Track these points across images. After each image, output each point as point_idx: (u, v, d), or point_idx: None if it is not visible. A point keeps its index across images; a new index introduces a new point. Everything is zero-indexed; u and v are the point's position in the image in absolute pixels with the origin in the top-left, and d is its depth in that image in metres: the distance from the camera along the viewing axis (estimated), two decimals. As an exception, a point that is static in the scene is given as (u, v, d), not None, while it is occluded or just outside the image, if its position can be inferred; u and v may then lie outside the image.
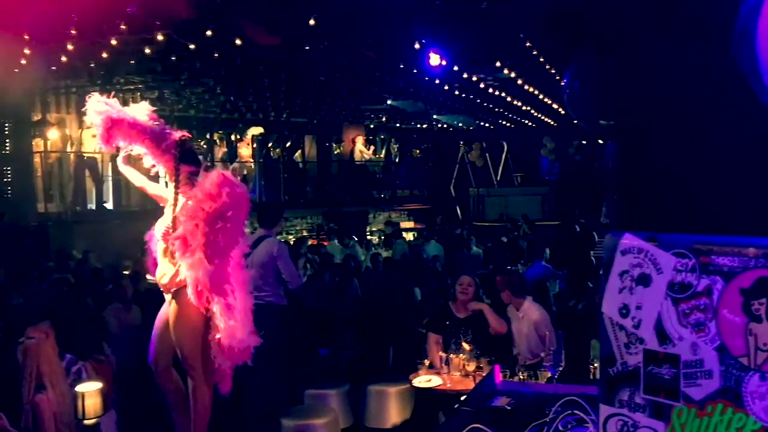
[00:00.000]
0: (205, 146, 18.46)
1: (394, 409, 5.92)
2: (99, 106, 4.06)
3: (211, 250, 3.80)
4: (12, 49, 9.61)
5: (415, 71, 11.22)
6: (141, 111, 4.14)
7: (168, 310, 4.15)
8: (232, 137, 18.83)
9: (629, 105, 3.82)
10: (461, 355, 5.45)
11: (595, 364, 5.01)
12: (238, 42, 8.78)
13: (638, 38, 3.27)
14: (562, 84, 5.66)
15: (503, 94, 14.77)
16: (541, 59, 10.08)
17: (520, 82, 12.83)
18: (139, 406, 4.99)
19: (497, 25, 8.20)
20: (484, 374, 5.15)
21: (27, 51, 9.79)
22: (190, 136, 4.28)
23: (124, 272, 9.27)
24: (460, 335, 5.65)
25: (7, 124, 14.61)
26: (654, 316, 1.70)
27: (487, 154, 23.18)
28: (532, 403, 2.52)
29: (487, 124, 21.07)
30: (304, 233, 17.93)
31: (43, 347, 4.58)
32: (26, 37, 8.92)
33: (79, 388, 4.09)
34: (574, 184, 19.57)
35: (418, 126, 22.40)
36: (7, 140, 14.69)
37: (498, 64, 11.17)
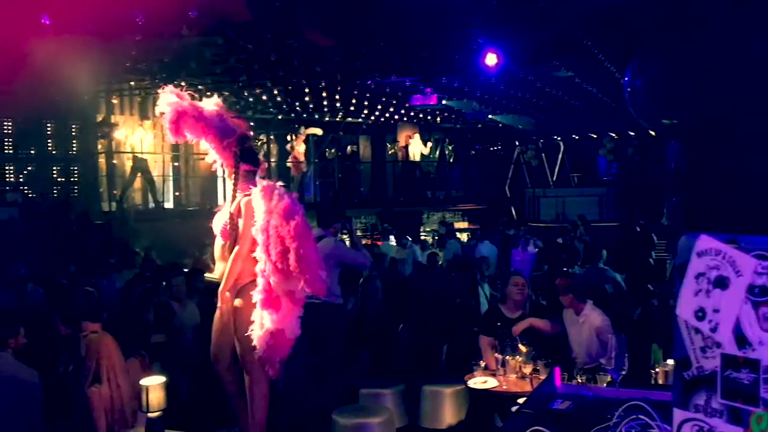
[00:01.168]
0: (263, 146, 18.76)
1: (449, 410, 5.89)
2: (170, 98, 4.16)
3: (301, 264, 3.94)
4: (79, 52, 9.96)
5: (470, 70, 11.15)
6: (210, 105, 4.24)
7: (228, 307, 4.23)
8: (288, 138, 19.08)
9: (695, 103, 3.72)
10: (517, 357, 5.40)
11: (657, 369, 4.90)
12: (295, 44, 8.90)
13: (710, 35, 3.17)
14: (623, 82, 5.54)
15: (560, 93, 14.55)
16: (601, 57, 9.88)
17: (578, 80, 12.62)
18: (201, 402, 5.09)
19: (556, 23, 8.09)
20: (540, 377, 5.10)
21: (93, 54, 10.12)
22: (251, 134, 4.35)
23: (184, 270, 9.48)
24: (514, 337, 5.60)
25: (73, 126, 15.16)
26: (732, 320, 1.65)
27: (543, 154, 22.86)
28: (594, 407, 2.47)
29: (543, 124, 20.78)
30: (358, 233, 18.02)
31: (104, 342, 4.72)
32: (93, 40, 9.22)
33: (143, 381, 4.19)
34: (633, 185, 19.11)
35: (473, 126, 22.25)
36: (74, 141, 15.25)
37: (556, 62, 11.02)
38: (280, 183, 4.18)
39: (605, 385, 3.86)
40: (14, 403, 4.51)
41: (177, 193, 16.91)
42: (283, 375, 4.40)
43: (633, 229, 12.89)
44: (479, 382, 5.35)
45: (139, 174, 15.02)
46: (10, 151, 14.57)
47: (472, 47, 9.52)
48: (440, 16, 8.03)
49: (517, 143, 23.30)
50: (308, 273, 3.93)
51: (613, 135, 20.37)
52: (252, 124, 17.43)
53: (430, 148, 21.41)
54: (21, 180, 14.65)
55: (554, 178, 22.80)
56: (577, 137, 21.73)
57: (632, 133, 19.51)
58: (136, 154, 15.24)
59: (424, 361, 7.10)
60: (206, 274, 8.61)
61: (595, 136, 20.96)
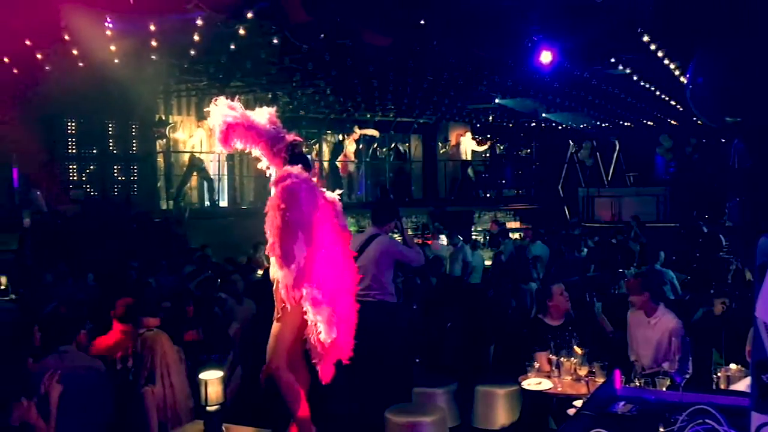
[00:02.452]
0: (315, 147, 18.96)
1: (502, 411, 5.84)
2: (222, 109, 4.24)
3: (280, 252, 3.87)
4: (140, 54, 10.27)
5: (525, 69, 11.05)
6: (263, 115, 4.29)
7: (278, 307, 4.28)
8: (340, 137, 19.22)
9: (761, 101, 3.61)
10: (572, 358, 5.32)
11: (718, 374, 4.76)
12: (348, 43, 8.96)
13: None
14: (683, 80, 5.40)
15: (616, 91, 14.27)
16: (660, 54, 9.65)
17: (635, 78, 12.36)
18: (257, 396, 5.16)
19: (614, 19, 7.94)
20: (596, 379, 5.02)
21: (153, 56, 10.41)
22: (302, 140, 4.38)
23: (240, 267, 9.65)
24: (561, 343, 5.51)
25: (133, 126, 15.60)
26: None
27: (597, 153, 22.46)
28: (656, 411, 2.43)
29: (598, 122, 20.43)
30: (409, 232, 17.99)
31: (160, 339, 4.82)
32: (153, 43, 9.47)
33: (203, 376, 4.27)
34: (692, 185, 18.59)
35: (526, 124, 22.00)
36: (134, 141, 15.68)
37: (612, 59, 10.81)
38: (297, 171, 4.04)
39: (665, 388, 3.77)
40: (88, 394, 4.65)
41: (231, 192, 17.22)
42: (336, 375, 4.41)
43: (699, 230, 12.53)
44: (533, 383, 5.29)
45: (195, 173, 15.35)
46: (74, 151, 15.07)
47: (527, 45, 9.42)
48: (494, 14, 7.97)
49: (570, 142, 22.94)
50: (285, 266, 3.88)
51: (671, 134, 19.88)
52: (304, 123, 17.66)
53: (482, 147, 21.26)
54: (84, 178, 15.14)
55: (609, 178, 22.37)
56: (633, 136, 21.27)
57: (691, 132, 19.00)
58: (193, 154, 15.58)
59: (472, 361, 7.06)
60: (259, 271, 8.77)
61: (652, 135, 20.49)
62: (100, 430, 4.70)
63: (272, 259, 4.02)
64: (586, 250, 12.54)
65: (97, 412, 4.70)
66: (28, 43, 9.60)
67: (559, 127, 21.73)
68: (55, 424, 4.07)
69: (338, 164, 18.17)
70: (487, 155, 22.56)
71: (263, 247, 4.75)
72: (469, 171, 20.46)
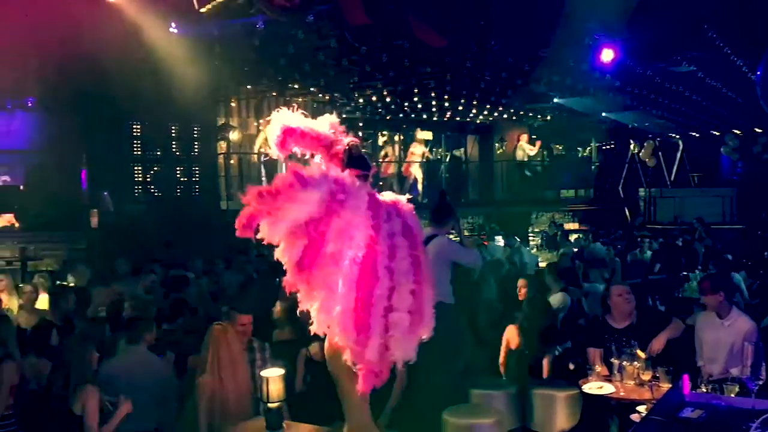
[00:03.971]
0: (370, 148, 19.06)
1: (562, 415, 5.77)
2: (282, 117, 4.31)
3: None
4: (202, 57, 10.53)
5: (585, 67, 10.87)
6: (323, 121, 4.33)
7: None
8: (396, 138, 19.27)
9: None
10: (635, 363, 5.21)
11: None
12: (406, 44, 8.99)
13: None
14: (754, 77, 5.23)
15: (680, 89, 13.89)
16: (727, 50, 9.36)
17: (700, 75, 12.00)
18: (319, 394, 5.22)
19: (678, 16, 7.73)
20: (660, 384, 4.91)
21: (215, 60, 10.66)
22: (359, 141, 4.39)
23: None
24: (622, 346, 5.40)
25: (195, 128, 15.99)
26: None
27: (660, 153, 21.88)
28: (727, 417, 2.36)
29: (660, 121, 19.92)
30: (465, 233, 17.92)
31: (224, 334, 4.91)
32: (216, 47, 9.69)
33: (264, 373, 4.35)
34: (761, 185, 17.91)
35: (585, 124, 21.61)
36: (196, 143, 16.07)
37: (677, 57, 10.53)
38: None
39: (733, 395, 3.66)
40: (152, 394, 4.80)
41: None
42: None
43: (768, 232, 12.09)
44: (594, 387, 5.20)
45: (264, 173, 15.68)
46: (139, 153, 15.55)
47: (587, 43, 9.26)
48: (555, 13, 7.87)
49: (631, 141, 22.42)
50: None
51: (738, 132, 19.22)
52: (361, 125, 17.78)
53: (539, 147, 20.99)
54: (148, 179, 15.59)
55: (672, 178, 21.78)
56: (697, 135, 20.66)
57: (759, 130, 18.32)
58: (261, 154, 15.89)
59: (532, 364, 6.98)
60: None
61: (717, 134, 19.86)
62: (164, 423, 4.85)
63: None
64: (649, 252, 12.24)
65: (161, 408, 4.85)
66: (97, 49, 9.94)
67: (620, 127, 21.27)
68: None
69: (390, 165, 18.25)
70: (545, 156, 22.25)
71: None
72: (527, 171, 20.23)
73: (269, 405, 4.29)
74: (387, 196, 4.22)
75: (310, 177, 3.62)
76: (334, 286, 3.71)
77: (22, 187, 14.57)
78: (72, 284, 9.05)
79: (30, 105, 14.27)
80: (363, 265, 3.74)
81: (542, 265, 12.19)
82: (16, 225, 13.80)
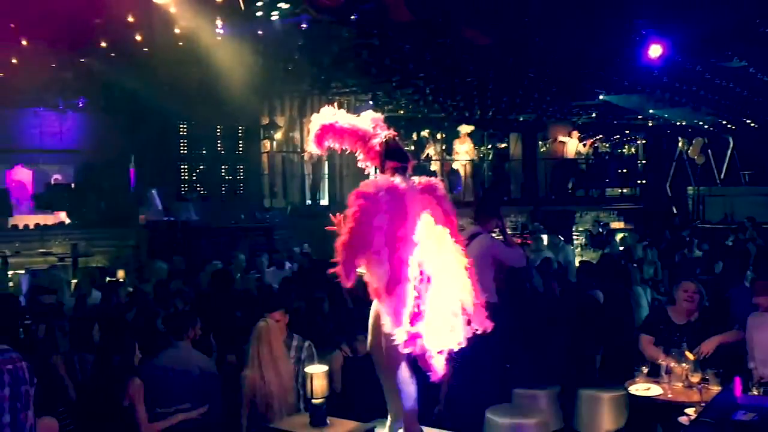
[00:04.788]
0: (412, 146, 19.04)
1: (607, 416, 5.68)
2: (323, 114, 4.35)
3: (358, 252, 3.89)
4: (247, 58, 10.67)
5: (632, 64, 10.66)
6: (365, 118, 4.36)
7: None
8: (438, 136, 19.23)
9: None
10: (684, 364, 5.11)
11: None
12: (449, 41, 8.96)
13: None
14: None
15: (731, 85, 13.54)
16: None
17: (752, 70, 11.68)
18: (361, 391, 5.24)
19: (729, 10, 7.53)
20: (710, 386, 4.80)
21: (260, 60, 10.78)
22: (397, 134, 4.40)
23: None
24: (675, 341, 5.30)
25: (240, 128, 16.24)
26: None
27: (709, 150, 21.36)
28: (782, 421, 2.30)
29: (710, 118, 19.45)
30: (509, 231, 17.76)
31: (267, 330, 4.96)
32: (261, 47, 9.80)
33: (308, 369, 4.40)
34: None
35: (632, 121, 21.23)
36: (240, 142, 16.33)
37: (728, 52, 10.27)
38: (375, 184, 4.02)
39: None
40: (195, 389, 4.88)
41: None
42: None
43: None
44: (641, 388, 5.11)
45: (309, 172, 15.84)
46: (185, 152, 15.87)
47: (635, 39, 9.09)
48: (600, 8, 7.75)
49: (679, 139, 21.92)
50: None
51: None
52: (403, 123, 17.79)
53: (586, 145, 20.70)
54: (194, 178, 15.91)
55: (722, 176, 21.24)
56: (748, 132, 20.08)
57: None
58: (305, 154, 16.02)
59: (578, 364, 6.90)
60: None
61: (769, 131, 19.31)
62: (208, 421, 4.92)
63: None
64: (699, 252, 11.95)
65: (205, 402, 4.93)
66: (145, 50, 10.16)
67: (668, 124, 20.83)
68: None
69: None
70: (591, 153, 21.94)
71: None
72: (582, 167, 19.96)
73: (313, 401, 4.33)
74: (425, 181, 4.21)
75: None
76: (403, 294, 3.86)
77: (73, 186, 14.99)
78: (121, 279, 9.29)
79: (81, 105, 14.67)
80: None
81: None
82: (68, 222, 14.23)
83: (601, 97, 16.09)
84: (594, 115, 20.08)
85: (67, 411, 4.37)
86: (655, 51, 9.35)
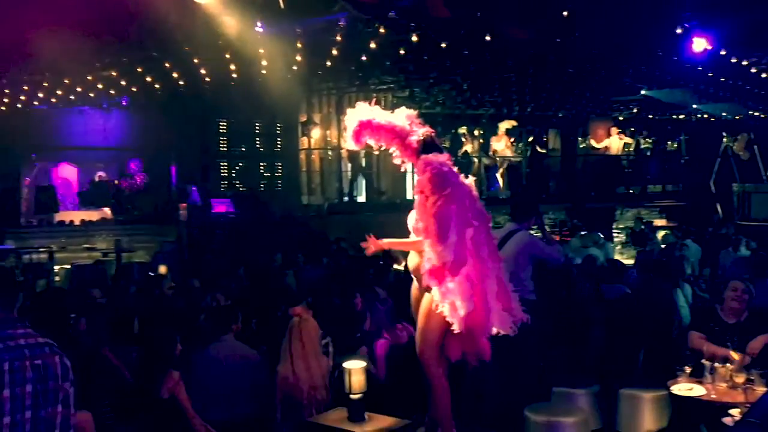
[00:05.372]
0: (448, 142, 18.96)
1: (648, 416, 5.60)
2: (359, 111, 4.38)
3: (433, 227, 3.90)
4: (286, 56, 10.75)
5: (675, 58, 10.45)
6: (400, 115, 4.37)
7: (414, 295, 4.33)
8: (475, 132, 19.11)
9: None
10: (728, 365, 5.00)
11: None
12: (488, 38, 8.89)
13: None
14: None
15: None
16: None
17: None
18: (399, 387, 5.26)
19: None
20: (755, 387, 4.70)
21: (298, 58, 10.85)
22: (434, 132, 4.41)
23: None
24: (725, 341, 5.20)
25: (278, 125, 16.39)
26: None
27: (755, 146, 20.81)
28: (831, 423, 2.24)
29: (756, 113, 18.95)
30: (547, 228, 17.57)
31: (302, 325, 5.01)
32: (299, 45, 9.86)
33: (346, 365, 4.43)
34: None
35: (674, 117, 20.80)
36: (279, 139, 16.49)
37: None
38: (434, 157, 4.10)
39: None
40: (243, 378, 4.97)
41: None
42: (476, 367, 4.40)
43: None
44: (684, 389, 5.02)
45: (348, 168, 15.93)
46: (224, 149, 16.09)
47: (678, 32, 8.90)
48: (642, 1, 7.60)
49: (724, 134, 21.41)
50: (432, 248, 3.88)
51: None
52: (440, 119, 17.72)
53: (628, 141, 20.34)
54: (233, 175, 16.12)
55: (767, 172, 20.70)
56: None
57: None
58: (340, 150, 16.14)
59: (618, 363, 6.81)
60: (395, 265, 8.94)
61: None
62: (251, 412, 5.00)
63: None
64: (744, 250, 11.66)
65: (249, 396, 5.00)
66: (186, 49, 10.30)
67: (712, 119, 20.36)
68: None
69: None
70: (631, 149, 21.56)
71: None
72: (624, 162, 19.66)
73: (351, 396, 4.36)
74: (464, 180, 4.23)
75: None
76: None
77: (116, 183, 15.31)
78: (162, 274, 9.45)
79: (124, 104, 14.96)
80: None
81: (627, 262, 11.83)
82: (111, 218, 14.55)
83: (643, 92, 15.82)
84: (635, 110, 19.74)
85: (110, 404, 4.48)
86: (699, 45, 9.16)
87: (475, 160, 18.31)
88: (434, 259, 3.91)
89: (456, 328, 3.94)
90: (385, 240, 4.35)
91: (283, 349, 4.96)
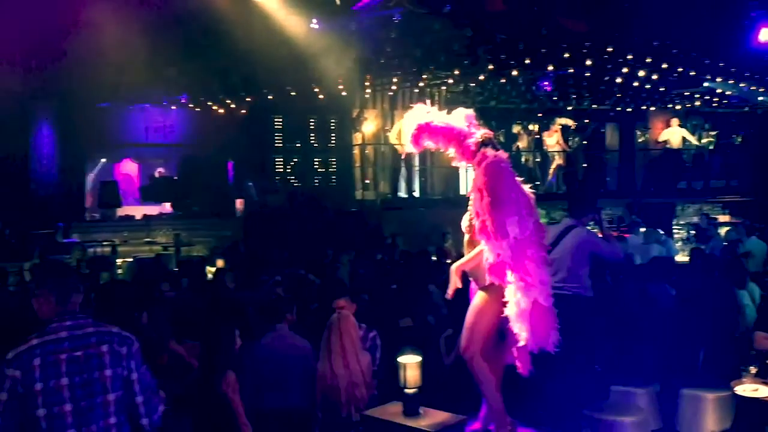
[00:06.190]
0: (502, 137, 18.76)
1: (711, 417, 5.46)
2: (416, 113, 4.37)
3: (494, 227, 3.85)
4: (341, 51, 10.82)
5: (740, 48, 10.10)
6: (458, 116, 4.35)
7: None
8: (530, 127, 18.86)
9: None
10: (796, 365, 4.84)
11: None
12: (544, 31, 8.77)
13: None
14: None
15: None
16: None
17: None
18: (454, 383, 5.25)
19: None
20: (827, 389, 4.53)
21: (353, 54, 10.91)
22: (492, 134, 4.37)
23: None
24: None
25: (332, 120, 16.52)
26: None
27: (826, 140, 19.96)
28: None
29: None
30: (605, 225, 17.22)
31: (343, 321, 5.03)
32: (354, 41, 9.91)
33: (401, 359, 4.43)
34: None
35: (739, 110, 20.10)
36: (333, 134, 16.61)
37: None
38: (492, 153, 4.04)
39: None
40: (297, 371, 5.04)
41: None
42: (530, 366, 4.34)
43: None
44: (749, 389, 4.88)
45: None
46: (280, 145, 16.31)
47: (743, 23, 8.61)
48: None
49: (792, 127, 20.58)
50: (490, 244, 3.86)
51: None
52: (495, 114, 17.56)
53: (687, 136, 19.75)
54: (288, 170, 16.33)
55: (836, 167, 19.81)
56: None
57: None
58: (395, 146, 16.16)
59: (678, 362, 6.64)
60: (448, 261, 8.91)
61: None
62: (302, 401, 5.07)
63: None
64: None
65: (301, 386, 5.07)
66: (243, 46, 10.47)
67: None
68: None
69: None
70: (692, 143, 20.94)
71: (451, 237, 4.74)
72: (672, 161, 19.11)
73: (406, 391, 4.37)
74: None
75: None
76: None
77: (175, 178, 15.69)
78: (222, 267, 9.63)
79: (183, 101, 15.31)
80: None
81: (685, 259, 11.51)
82: (171, 213, 14.91)
83: (705, 84, 15.34)
84: (698, 103, 19.15)
85: (174, 395, 4.58)
86: (765, 35, 8.85)
87: (530, 155, 18.06)
88: (493, 257, 3.89)
89: (521, 342, 3.98)
90: (456, 268, 4.25)
91: (322, 346, 4.98)
